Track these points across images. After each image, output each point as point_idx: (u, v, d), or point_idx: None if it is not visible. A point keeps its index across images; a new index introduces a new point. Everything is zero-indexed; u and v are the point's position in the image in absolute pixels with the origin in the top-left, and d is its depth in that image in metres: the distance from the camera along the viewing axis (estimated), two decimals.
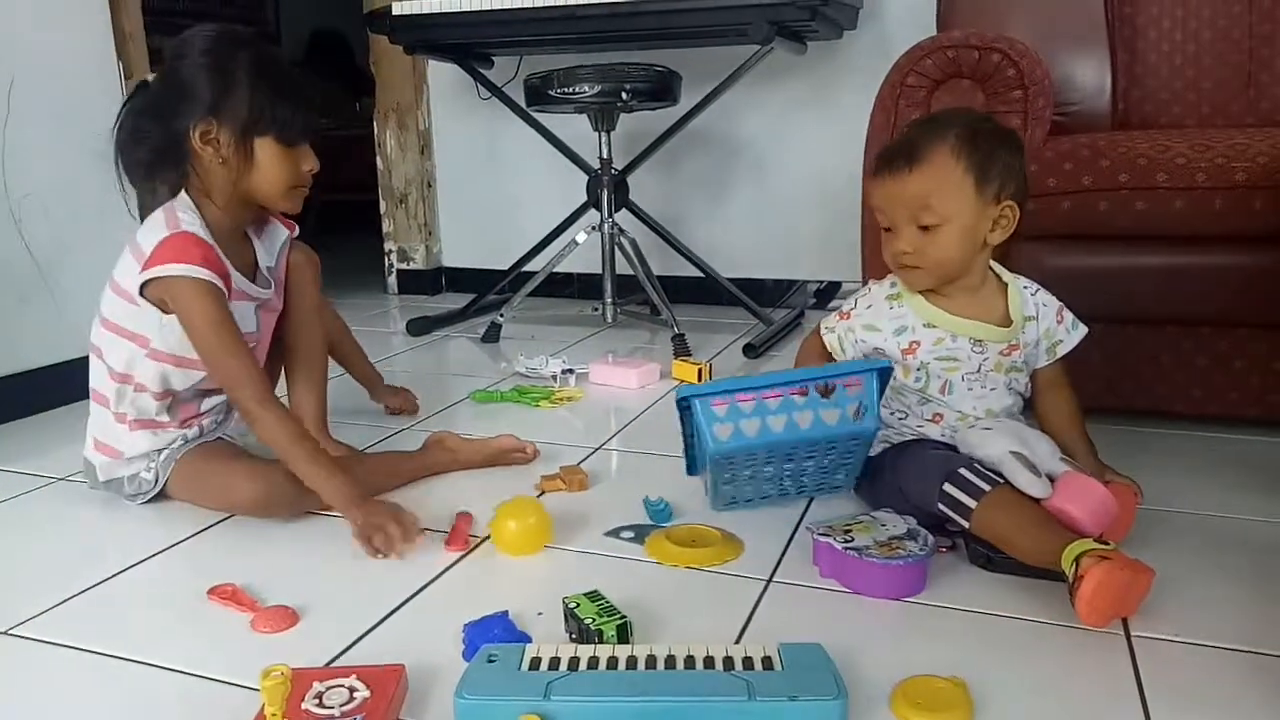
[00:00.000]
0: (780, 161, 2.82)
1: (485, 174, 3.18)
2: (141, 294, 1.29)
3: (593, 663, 0.89)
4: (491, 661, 0.89)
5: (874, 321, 1.25)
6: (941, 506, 1.13)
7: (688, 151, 2.87)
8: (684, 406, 1.22)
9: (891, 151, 1.19)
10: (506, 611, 1.03)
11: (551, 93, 2.33)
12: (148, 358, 1.33)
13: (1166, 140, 1.52)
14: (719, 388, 1.19)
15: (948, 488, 1.12)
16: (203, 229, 1.30)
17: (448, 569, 1.19)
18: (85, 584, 1.16)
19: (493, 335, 2.49)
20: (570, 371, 2.03)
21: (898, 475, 1.21)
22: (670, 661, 0.89)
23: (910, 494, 1.19)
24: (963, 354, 1.22)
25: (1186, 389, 1.58)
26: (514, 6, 2.39)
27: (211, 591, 1.12)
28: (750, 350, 2.25)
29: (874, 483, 1.28)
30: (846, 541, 1.11)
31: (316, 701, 0.86)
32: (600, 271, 2.59)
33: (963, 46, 1.57)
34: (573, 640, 1.00)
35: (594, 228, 2.53)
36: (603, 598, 1.03)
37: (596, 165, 2.54)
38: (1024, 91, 1.53)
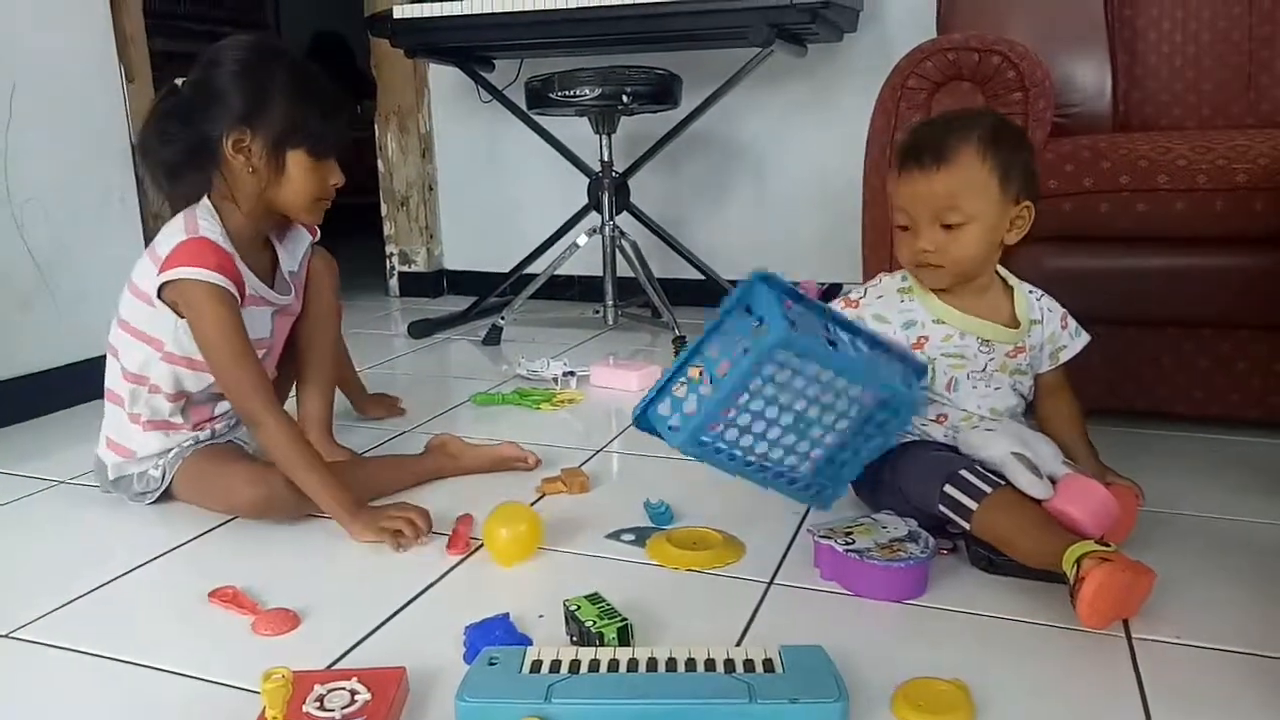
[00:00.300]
0: (780, 164, 2.82)
1: (486, 177, 3.18)
2: (159, 296, 1.30)
3: (594, 665, 0.89)
4: (492, 664, 0.89)
5: (883, 312, 1.24)
6: (942, 508, 1.13)
7: (688, 154, 2.87)
8: (753, 288, 1.11)
9: (917, 149, 1.18)
10: (507, 614, 1.03)
11: (552, 95, 2.33)
12: (162, 360, 1.34)
13: (1167, 142, 1.52)
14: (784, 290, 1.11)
15: (948, 489, 1.12)
16: (221, 235, 1.31)
17: (449, 571, 1.19)
18: (87, 587, 1.17)
19: (494, 338, 2.49)
20: (571, 374, 2.03)
21: (898, 476, 1.21)
22: (671, 664, 0.89)
23: (911, 495, 1.19)
24: (970, 352, 1.22)
25: (1188, 391, 1.58)
26: (515, 10, 2.39)
27: (213, 594, 1.12)
28: None
29: (875, 484, 1.27)
30: (848, 544, 1.11)
31: (317, 704, 0.86)
32: (601, 274, 2.59)
33: (963, 49, 1.57)
34: (574, 643, 1.00)
35: (595, 230, 2.53)
36: (603, 600, 1.03)
37: (597, 168, 2.54)
38: (1024, 94, 1.53)
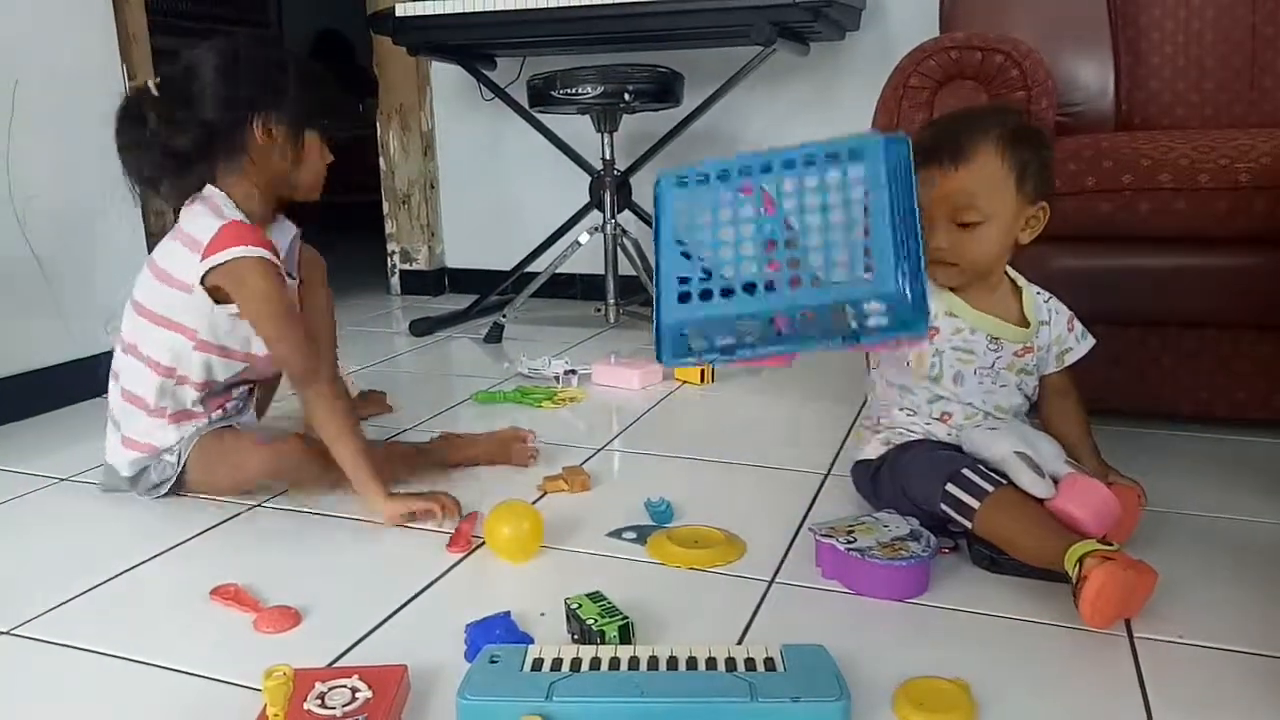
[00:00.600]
0: None
1: (488, 175, 3.18)
2: (201, 282, 1.32)
3: (595, 663, 0.88)
4: (494, 662, 0.89)
5: None
6: (944, 507, 1.13)
7: (690, 152, 2.87)
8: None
9: (936, 147, 1.16)
10: (508, 612, 1.03)
11: (554, 94, 2.33)
12: (195, 349, 1.36)
13: (1170, 141, 1.52)
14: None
15: (950, 488, 1.12)
16: (245, 219, 1.34)
17: (450, 569, 1.19)
18: (88, 584, 1.17)
19: (495, 336, 2.49)
20: (573, 372, 2.03)
21: (900, 475, 1.21)
22: (672, 662, 0.88)
23: (913, 494, 1.19)
24: (979, 348, 1.22)
25: (1191, 390, 1.58)
26: (517, 8, 2.39)
27: (214, 592, 1.12)
28: None
29: (877, 483, 1.27)
30: (849, 542, 1.11)
31: (319, 702, 0.86)
32: (603, 272, 2.59)
33: (965, 47, 1.57)
34: (575, 641, 1.00)
35: (596, 228, 2.53)
36: (605, 598, 1.03)
37: (599, 166, 2.54)
38: (1027, 93, 1.53)
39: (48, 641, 1.04)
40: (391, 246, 3.31)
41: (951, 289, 1.23)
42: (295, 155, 1.36)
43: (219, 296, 1.33)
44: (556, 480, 1.44)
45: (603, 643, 0.96)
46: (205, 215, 1.33)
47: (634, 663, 0.89)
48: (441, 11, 2.48)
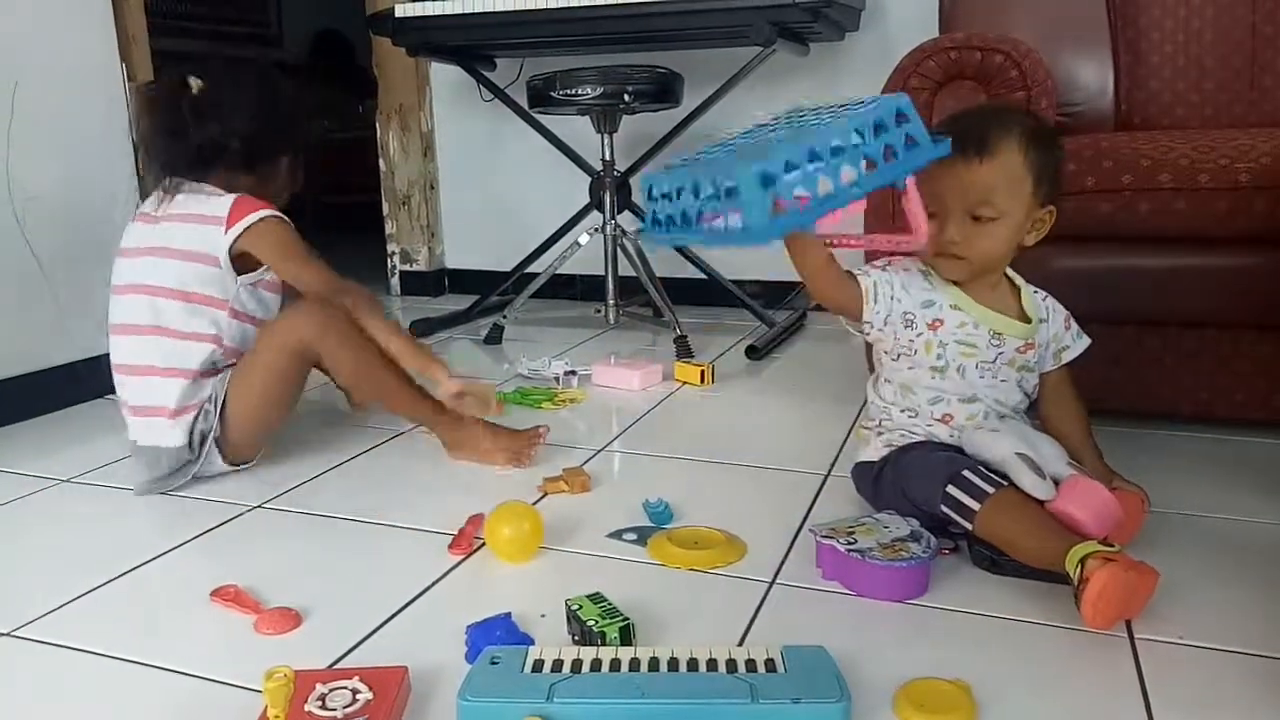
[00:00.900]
0: None
1: (487, 176, 3.18)
2: (229, 251, 1.43)
3: (595, 665, 0.89)
4: (494, 663, 0.89)
5: (909, 284, 1.23)
6: (944, 508, 1.13)
7: (690, 153, 2.87)
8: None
9: (961, 137, 1.15)
10: (509, 613, 1.03)
11: (554, 94, 2.33)
12: (231, 319, 1.48)
13: (1169, 141, 1.52)
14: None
15: (951, 489, 1.12)
16: None
17: (450, 571, 1.19)
18: (88, 585, 1.17)
19: (495, 337, 2.50)
20: (573, 373, 2.03)
21: (901, 476, 1.21)
22: (673, 664, 0.88)
23: (913, 495, 1.19)
24: (981, 342, 1.22)
25: (1191, 391, 1.58)
26: (516, 9, 2.39)
27: (214, 593, 1.12)
28: (753, 352, 2.25)
29: (877, 484, 1.27)
30: (850, 544, 1.11)
31: (319, 703, 0.86)
32: (603, 273, 2.59)
33: (965, 48, 1.57)
34: (575, 642, 1.00)
35: (596, 229, 2.53)
36: (605, 600, 1.03)
37: (599, 167, 2.54)
38: (1026, 93, 1.53)
39: (48, 643, 1.04)
40: (391, 247, 3.31)
41: (957, 284, 1.23)
42: (287, 180, 1.57)
43: (241, 266, 1.45)
44: (557, 481, 1.44)
45: (603, 644, 0.96)
46: (212, 196, 1.45)
47: (634, 664, 0.89)
48: (441, 12, 2.48)
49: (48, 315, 1.93)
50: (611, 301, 2.59)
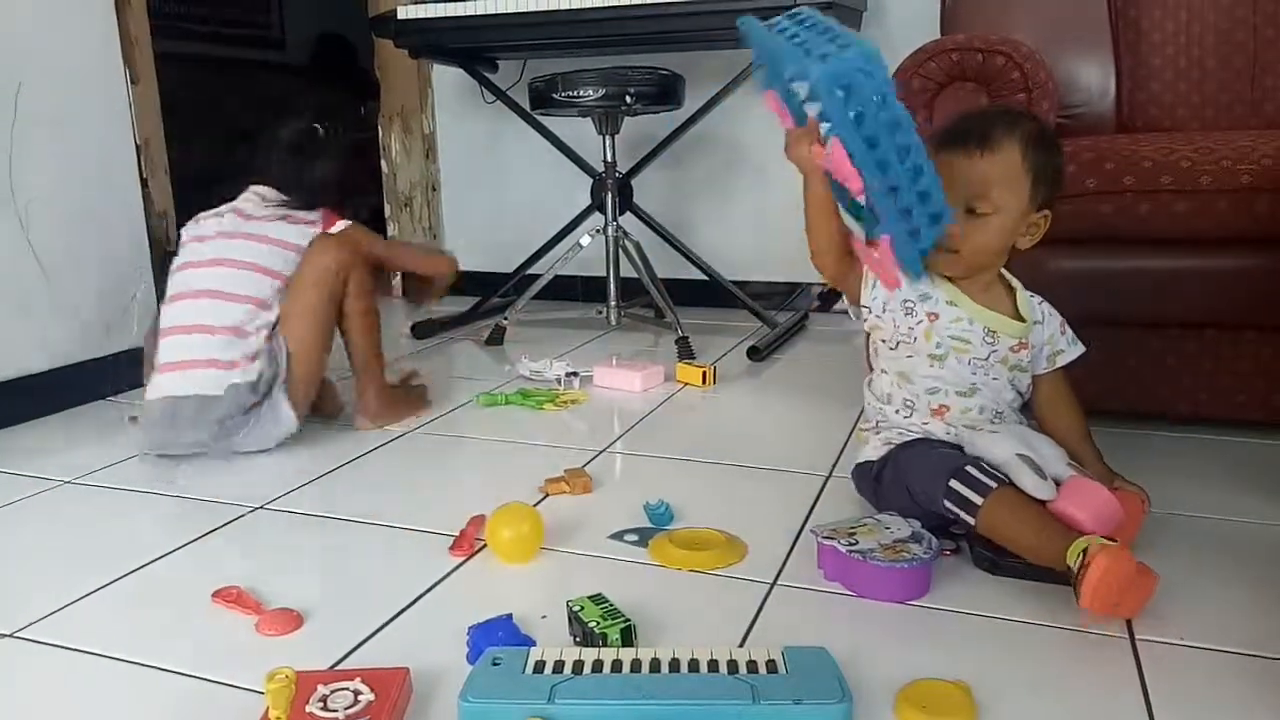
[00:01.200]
0: (784, 165, 2.76)
1: (489, 177, 3.18)
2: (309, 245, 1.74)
3: (597, 666, 0.89)
4: (496, 664, 0.89)
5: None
6: (947, 504, 1.13)
7: (691, 154, 2.87)
8: None
9: (963, 133, 1.18)
10: (510, 614, 1.03)
11: (555, 96, 2.33)
12: (281, 287, 1.69)
13: (1170, 143, 1.52)
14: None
15: (954, 484, 1.12)
16: None
17: (452, 572, 1.19)
18: (90, 586, 1.17)
19: (497, 338, 2.50)
20: (574, 375, 2.03)
21: (903, 473, 1.21)
22: (674, 665, 0.89)
23: (916, 492, 1.19)
24: (975, 339, 1.22)
25: (1191, 392, 1.58)
26: (518, 10, 2.39)
27: (216, 594, 1.12)
28: (754, 353, 2.25)
29: (878, 483, 1.27)
30: (851, 544, 1.11)
31: (321, 704, 0.86)
32: (604, 274, 2.59)
33: (966, 49, 1.57)
34: (577, 643, 1.00)
35: (598, 231, 2.53)
36: (607, 601, 1.03)
37: (600, 168, 2.55)
38: (1027, 94, 1.53)
39: (50, 644, 1.04)
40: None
41: (952, 282, 1.23)
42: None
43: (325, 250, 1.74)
44: (558, 482, 1.44)
45: (605, 645, 0.96)
46: (303, 212, 1.77)
47: (636, 665, 0.89)
48: (443, 14, 2.48)
49: (49, 316, 1.93)
50: (613, 303, 2.60)
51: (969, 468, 1.12)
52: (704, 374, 2.03)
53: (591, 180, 2.59)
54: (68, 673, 0.99)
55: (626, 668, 0.88)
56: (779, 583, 1.14)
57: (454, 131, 3.20)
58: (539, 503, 1.39)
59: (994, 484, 1.10)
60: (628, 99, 2.30)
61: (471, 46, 2.64)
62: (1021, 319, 1.25)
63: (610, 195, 2.53)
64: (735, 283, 2.71)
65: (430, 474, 1.58)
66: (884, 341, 1.28)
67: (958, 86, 1.59)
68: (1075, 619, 0.99)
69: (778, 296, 2.86)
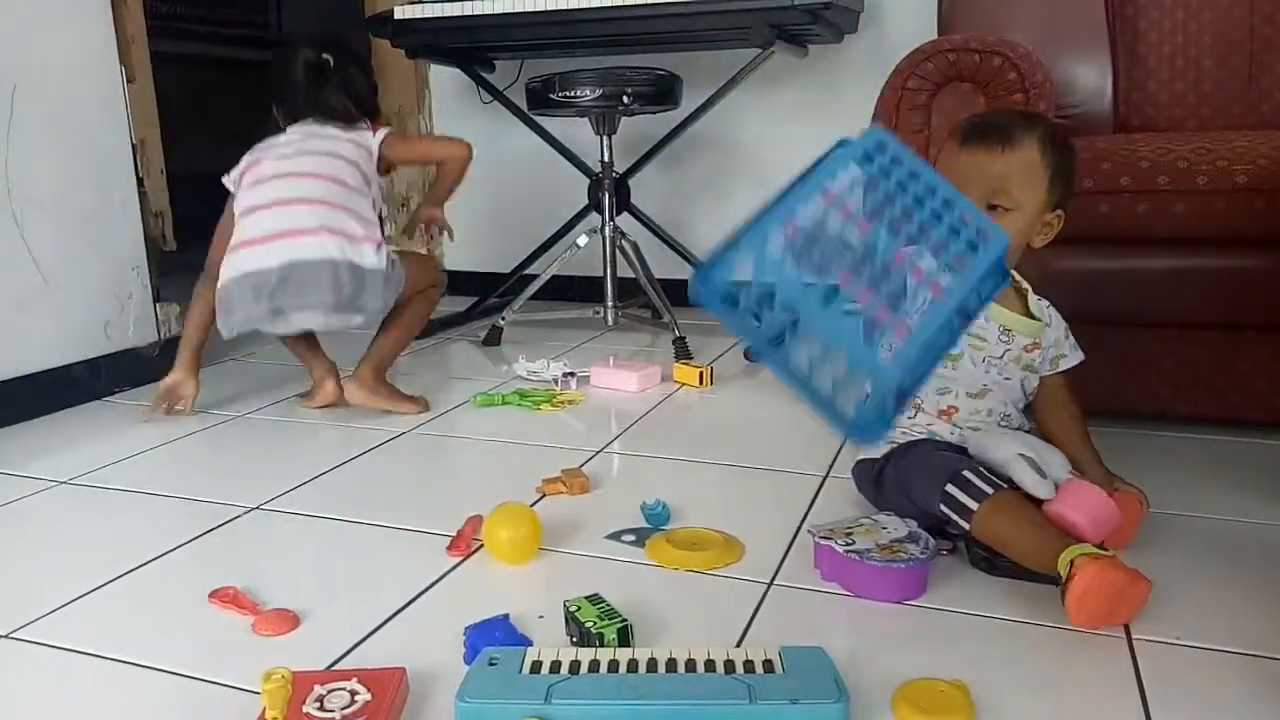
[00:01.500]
0: (781, 165, 2.78)
1: (486, 177, 3.17)
2: (378, 150, 1.91)
3: (593, 666, 0.88)
4: (492, 665, 0.89)
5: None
6: (943, 507, 1.13)
7: (689, 155, 2.87)
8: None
9: (985, 128, 1.20)
10: (507, 614, 1.03)
11: (553, 96, 2.33)
12: (370, 186, 1.87)
13: (1168, 143, 1.52)
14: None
15: (950, 489, 1.12)
16: None
17: (449, 572, 1.19)
18: (87, 587, 1.17)
19: (494, 338, 2.50)
20: (571, 375, 2.03)
21: (903, 475, 1.21)
22: (671, 665, 0.88)
23: (913, 493, 1.19)
24: (991, 337, 1.23)
25: (1190, 391, 1.58)
26: (515, 10, 2.39)
27: (213, 595, 1.12)
28: (751, 353, 2.25)
29: (879, 483, 1.27)
30: (848, 544, 1.11)
31: (317, 704, 0.86)
32: (601, 274, 2.59)
33: (963, 50, 1.57)
34: (574, 643, 1.00)
35: (595, 231, 2.53)
36: (604, 601, 1.03)
37: (598, 169, 2.54)
38: (1025, 95, 1.53)
39: (47, 644, 1.04)
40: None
41: None
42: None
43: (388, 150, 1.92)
44: (555, 483, 1.44)
45: (602, 645, 0.96)
46: (357, 126, 1.91)
47: (633, 665, 0.89)
48: (440, 14, 2.48)
49: (46, 317, 1.93)
50: (610, 303, 2.59)
51: (966, 472, 1.12)
52: (701, 374, 2.03)
53: (589, 180, 2.59)
54: (64, 673, 0.99)
55: (623, 668, 0.88)
56: (776, 583, 1.14)
57: (451, 131, 3.18)
58: (536, 503, 1.39)
59: (990, 489, 1.10)
60: (625, 99, 2.30)
61: (468, 46, 2.64)
62: (1033, 319, 1.25)
63: (607, 195, 2.52)
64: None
65: (427, 474, 1.57)
66: None
67: (954, 87, 1.59)
68: None
69: None
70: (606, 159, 2.52)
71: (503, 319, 2.53)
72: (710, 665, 0.88)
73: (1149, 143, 1.54)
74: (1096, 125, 1.89)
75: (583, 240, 2.52)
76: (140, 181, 2.14)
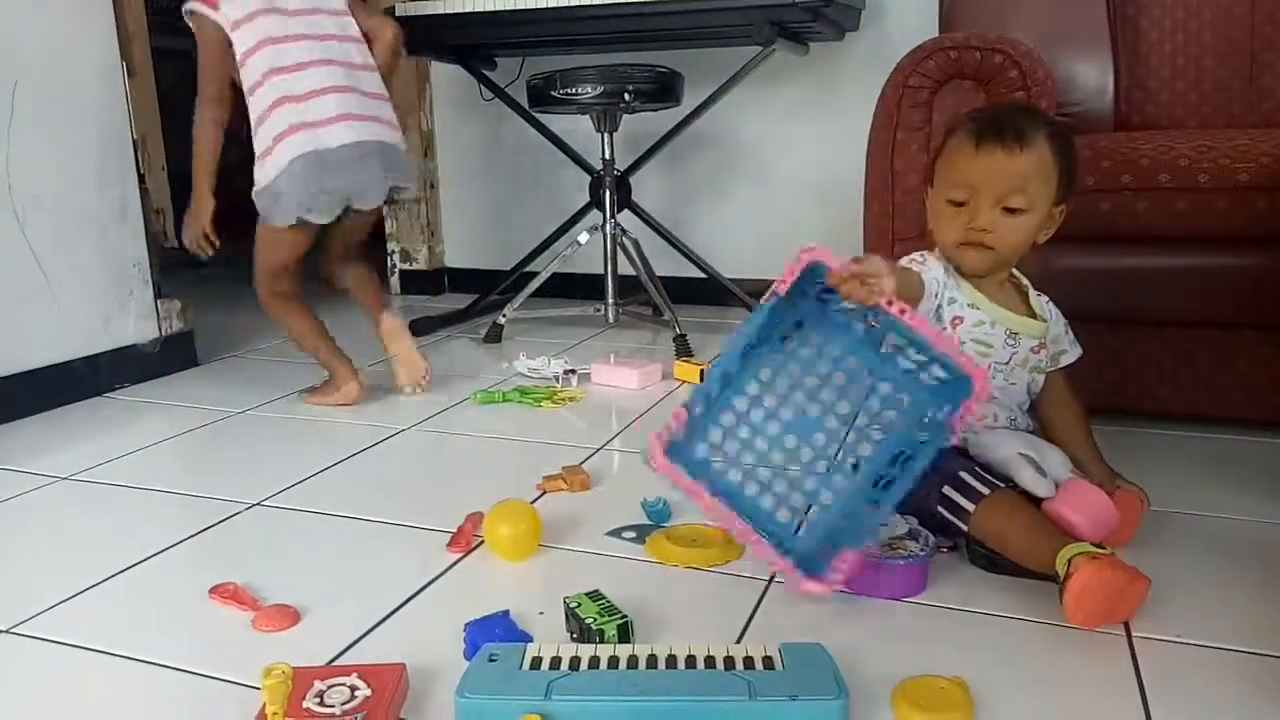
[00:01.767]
0: (782, 162, 2.82)
1: (488, 175, 3.18)
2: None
3: (593, 662, 0.89)
4: (492, 661, 0.89)
5: (937, 276, 1.22)
6: (940, 509, 1.13)
7: (690, 152, 2.87)
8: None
9: (998, 127, 1.16)
10: (508, 611, 1.03)
11: (554, 94, 2.33)
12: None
13: (1169, 141, 1.52)
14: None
15: (946, 490, 1.12)
16: None
17: (449, 568, 1.19)
18: (87, 582, 1.17)
19: (495, 336, 2.50)
20: (572, 372, 2.03)
21: None
22: (671, 661, 0.89)
23: (912, 495, 1.18)
24: (997, 342, 1.22)
25: (1190, 390, 1.58)
26: (516, 8, 2.39)
27: (213, 590, 1.12)
28: None
29: None
30: None
31: (318, 700, 0.86)
32: (602, 272, 2.59)
33: (965, 48, 1.57)
34: (574, 640, 1.00)
35: (596, 228, 2.53)
36: (604, 597, 1.03)
37: (599, 166, 2.54)
38: (1026, 93, 1.53)
39: (47, 640, 1.04)
40: (391, 246, 3.30)
41: (974, 280, 1.22)
42: None
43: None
44: (556, 479, 1.44)
45: (602, 641, 0.96)
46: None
47: (633, 661, 0.89)
48: (441, 11, 2.48)
49: (47, 313, 1.93)
50: (611, 300, 2.59)
51: (963, 474, 1.12)
52: (701, 371, 2.03)
53: (590, 178, 2.59)
54: (65, 669, 0.99)
55: (623, 664, 0.88)
56: (776, 579, 1.14)
57: (452, 129, 3.19)
58: (536, 500, 1.39)
59: (986, 490, 1.10)
60: (626, 96, 2.30)
61: (469, 43, 2.64)
62: (1035, 317, 1.25)
63: (608, 193, 2.52)
64: (733, 280, 2.70)
65: (428, 471, 1.57)
66: None
67: (956, 84, 1.59)
68: None
69: None
70: (607, 156, 2.52)
71: (503, 316, 2.53)
72: (710, 662, 0.88)
73: (1150, 141, 1.54)
74: (1098, 123, 1.89)
75: (584, 238, 2.52)
76: (141, 178, 2.14)
